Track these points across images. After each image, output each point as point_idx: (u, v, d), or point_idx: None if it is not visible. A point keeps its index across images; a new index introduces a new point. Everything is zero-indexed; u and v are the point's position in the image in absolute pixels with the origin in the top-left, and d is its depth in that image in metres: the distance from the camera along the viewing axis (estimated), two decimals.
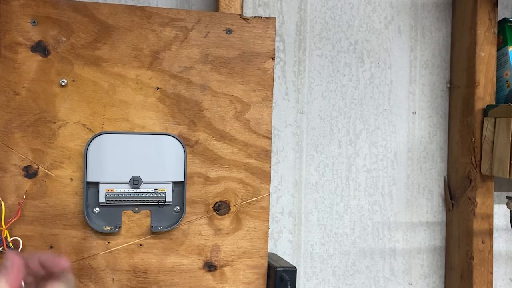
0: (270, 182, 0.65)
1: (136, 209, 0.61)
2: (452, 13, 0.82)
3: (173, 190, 0.62)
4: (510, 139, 0.68)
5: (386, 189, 0.80)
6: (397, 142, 0.81)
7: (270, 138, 0.65)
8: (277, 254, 0.75)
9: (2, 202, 0.57)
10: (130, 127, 0.61)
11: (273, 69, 0.65)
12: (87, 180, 0.59)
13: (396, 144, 0.80)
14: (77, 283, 0.60)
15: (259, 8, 0.76)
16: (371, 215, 0.80)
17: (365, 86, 0.79)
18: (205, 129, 0.63)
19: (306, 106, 0.77)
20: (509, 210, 0.71)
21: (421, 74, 0.81)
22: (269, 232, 0.73)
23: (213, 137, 0.63)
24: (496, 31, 0.74)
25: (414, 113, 0.81)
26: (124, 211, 0.61)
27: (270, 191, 0.69)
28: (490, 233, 0.75)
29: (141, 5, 0.71)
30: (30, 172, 0.59)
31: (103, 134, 0.60)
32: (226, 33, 0.64)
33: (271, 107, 0.65)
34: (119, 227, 0.60)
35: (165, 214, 0.62)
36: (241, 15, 0.64)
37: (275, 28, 0.65)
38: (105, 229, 0.60)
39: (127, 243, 0.61)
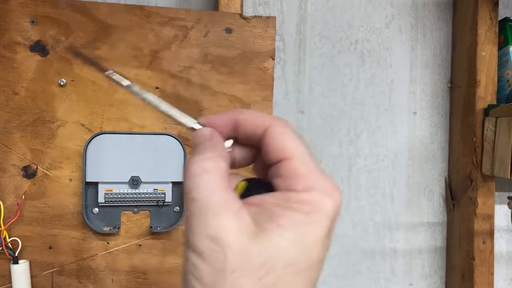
0: None
1: (136, 209, 0.61)
2: (453, 12, 0.81)
3: (172, 191, 0.61)
4: (511, 139, 0.68)
5: (387, 189, 0.80)
6: (398, 142, 0.80)
7: None
8: None
9: (1, 203, 0.57)
10: (129, 127, 0.61)
11: (273, 68, 0.65)
12: (86, 180, 0.59)
13: (397, 144, 0.80)
14: (76, 284, 0.60)
15: (259, 8, 0.75)
16: (372, 216, 0.79)
17: (366, 86, 0.79)
18: None
19: (306, 106, 0.77)
20: (510, 210, 0.71)
21: (422, 74, 0.81)
22: None
23: None
24: (497, 31, 0.74)
25: (415, 113, 0.81)
26: (124, 212, 0.61)
27: None
28: (491, 233, 0.74)
29: (141, 4, 0.71)
30: (29, 172, 0.59)
31: (102, 134, 0.59)
32: (226, 32, 0.63)
33: (271, 107, 0.65)
34: (119, 227, 0.60)
35: (165, 214, 0.62)
36: (241, 15, 0.64)
37: (275, 27, 0.65)
38: (104, 229, 0.59)
39: (126, 243, 0.61)
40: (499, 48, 0.76)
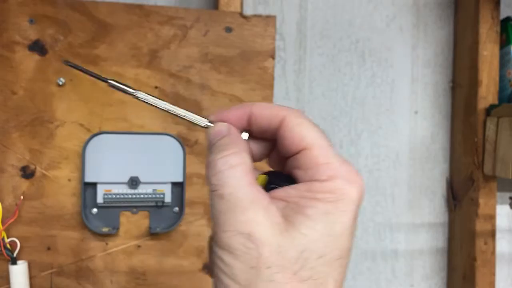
0: None
1: (135, 210, 0.61)
2: (454, 11, 0.81)
3: (172, 191, 0.61)
4: None
5: (388, 189, 0.79)
6: (399, 142, 0.80)
7: None
8: None
9: None
10: (128, 127, 0.60)
11: (273, 68, 0.64)
12: (85, 181, 0.58)
13: (398, 144, 0.80)
14: (75, 285, 0.59)
15: (259, 6, 0.75)
16: (372, 216, 0.79)
17: (367, 86, 0.78)
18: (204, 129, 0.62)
19: (306, 106, 0.76)
20: (511, 211, 0.71)
21: (423, 73, 0.81)
22: None
23: None
24: (499, 30, 0.74)
25: (416, 112, 0.80)
26: (122, 212, 0.60)
27: None
28: (492, 234, 0.74)
29: (140, 3, 0.71)
30: (27, 173, 0.58)
31: (101, 134, 0.59)
32: (226, 31, 0.63)
33: None
34: (117, 228, 0.60)
35: (164, 215, 0.61)
36: (241, 14, 0.63)
37: (275, 26, 0.64)
38: (103, 230, 0.59)
39: (125, 244, 0.60)
40: (501, 48, 0.75)
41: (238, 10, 0.64)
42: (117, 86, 0.28)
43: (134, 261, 0.61)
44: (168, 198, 0.61)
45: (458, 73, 0.79)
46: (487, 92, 0.73)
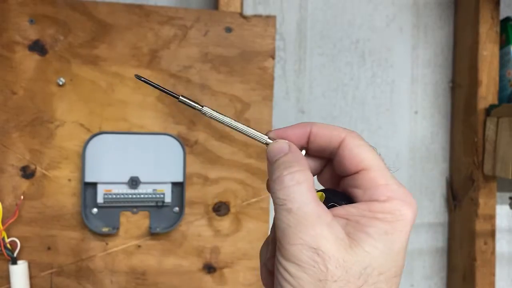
0: None
1: (135, 210, 0.61)
2: (454, 11, 0.81)
3: (172, 191, 0.61)
4: None
5: None
6: (399, 142, 0.80)
7: None
8: None
9: None
10: (128, 127, 0.60)
11: (273, 68, 0.64)
12: (85, 181, 0.58)
13: (398, 144, 0.80)
14: (75, 285, 0.59)
15: (259, 6, 0.75)
16: None
17: (367, 86, 0.78)
18: (204, 129, 0.62)
19: (306, 106, 0.76)
20: (511, 211, 0.71)
21: (423, 73, 0.80)
22: None
23: (212, 137, 0.63)
24: (498, 30, 0.74)
25: (416, 112, 0.80)
26: (123, 212, 0.60)
27: None
28: (492, 234, 0.74)
29: (140, 3, 0.71)
30: (27, 173, 0.58)
31: (101, 134, 0.59)
32: (226, 31, 0.63)
33: (271, 106, 0.64)
34: (118, 228, 0.60)
35: (164, 215, 0.61)
36: (240, 14, 0.63)
37: (275, 26, 0.64)
38: (103, 230, 0.59)
39: (125, 244, 0.60)
40: (501, 48, 0.75)
41: (238, 10, 0.64)
42: (187, 102, 0.30)
43: (134, 261, 0.61)
44: (168, 198, 0.61)
45: (458, 73, 0.79)
46: (487, 92, 0.73)
